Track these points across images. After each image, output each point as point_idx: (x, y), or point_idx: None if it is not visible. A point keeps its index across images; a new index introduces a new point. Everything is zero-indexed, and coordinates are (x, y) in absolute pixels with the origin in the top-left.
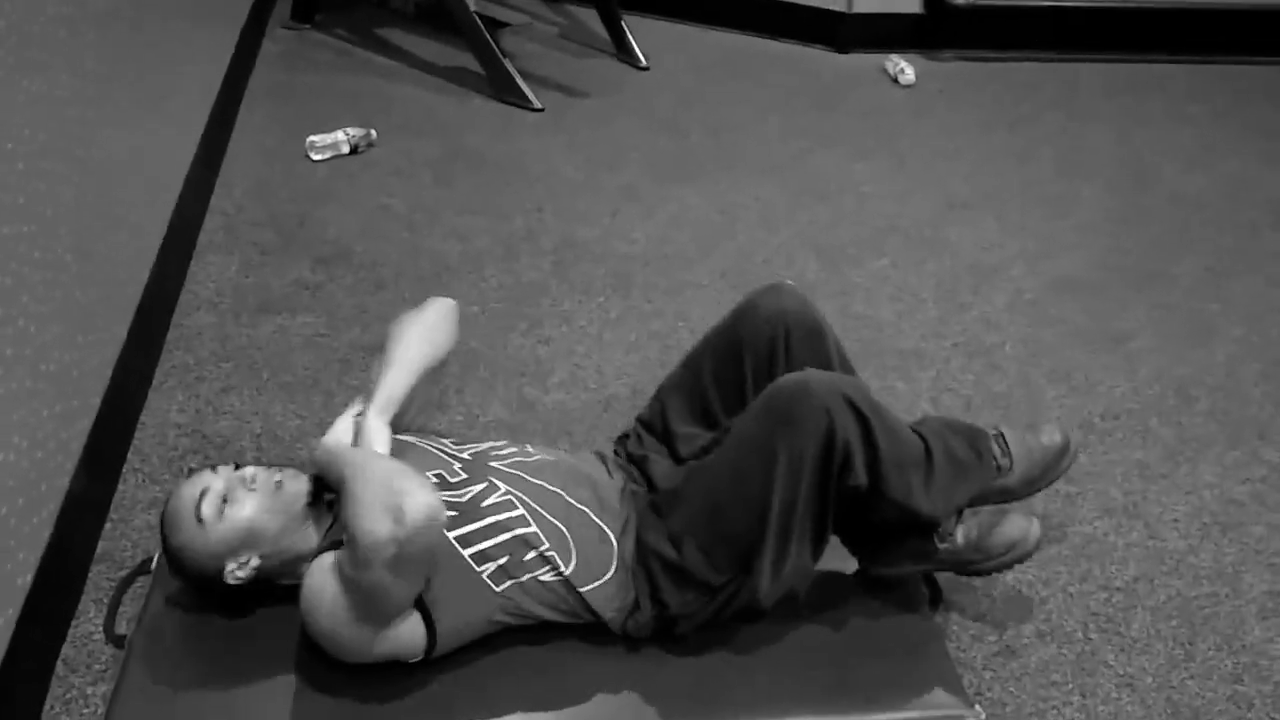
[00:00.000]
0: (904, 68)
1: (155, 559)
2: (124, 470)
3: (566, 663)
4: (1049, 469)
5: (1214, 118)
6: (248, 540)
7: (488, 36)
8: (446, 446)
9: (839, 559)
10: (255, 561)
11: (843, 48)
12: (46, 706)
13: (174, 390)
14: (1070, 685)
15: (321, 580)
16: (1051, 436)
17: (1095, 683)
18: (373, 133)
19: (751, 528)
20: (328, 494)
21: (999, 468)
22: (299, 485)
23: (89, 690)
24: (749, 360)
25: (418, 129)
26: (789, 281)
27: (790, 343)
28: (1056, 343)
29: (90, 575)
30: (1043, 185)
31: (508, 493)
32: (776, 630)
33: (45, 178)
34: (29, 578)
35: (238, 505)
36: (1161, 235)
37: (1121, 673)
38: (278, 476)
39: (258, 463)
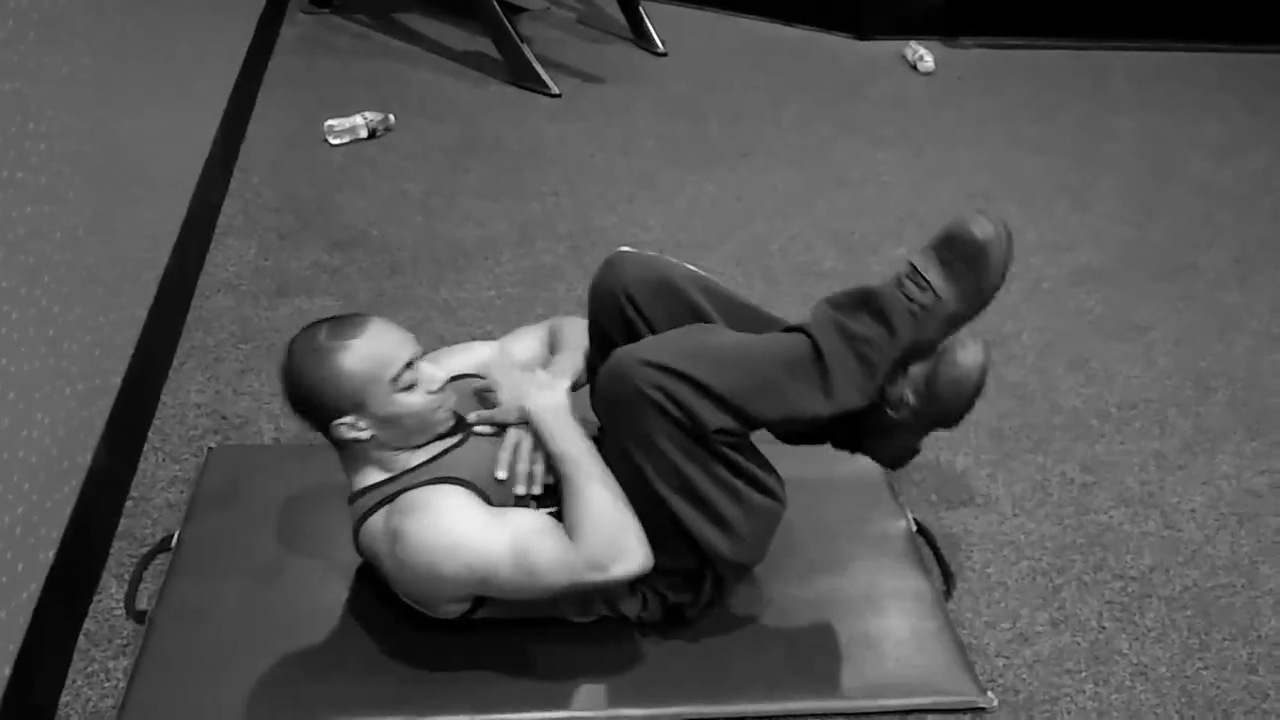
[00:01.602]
0: (923, 55)
1: (176, 536)
2: (144, 449)
3: (576, 646)
4: (986, 268)
5: (1244, 108)
6: (395, 420)
7: (505, 21)
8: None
9: (853, 545)
10: (368, 435)
11: (862, 34)
12: (69, 680)
13: (194, 371)
14: (1084, 673)
15: (470, 540)
16: (982, 229)
17: (1109, 671)
18: (391, 117)
19: (665, 515)
20: (460, 430)
21: (922, 308)
22: (448, 415)
23: (110, 664)
24: (619, 340)
25: (435, 114)
26: (623, 248)
27: (642, 309)
28: (1075, 332)
29: (112, 551)
30: (1064, 175)
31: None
32: (788, 617)
33: (67, 159)
34: (51, 553)
35: (415, 395)
36: (1185, 226)
37: (1135, 661)
38: (452, 399)
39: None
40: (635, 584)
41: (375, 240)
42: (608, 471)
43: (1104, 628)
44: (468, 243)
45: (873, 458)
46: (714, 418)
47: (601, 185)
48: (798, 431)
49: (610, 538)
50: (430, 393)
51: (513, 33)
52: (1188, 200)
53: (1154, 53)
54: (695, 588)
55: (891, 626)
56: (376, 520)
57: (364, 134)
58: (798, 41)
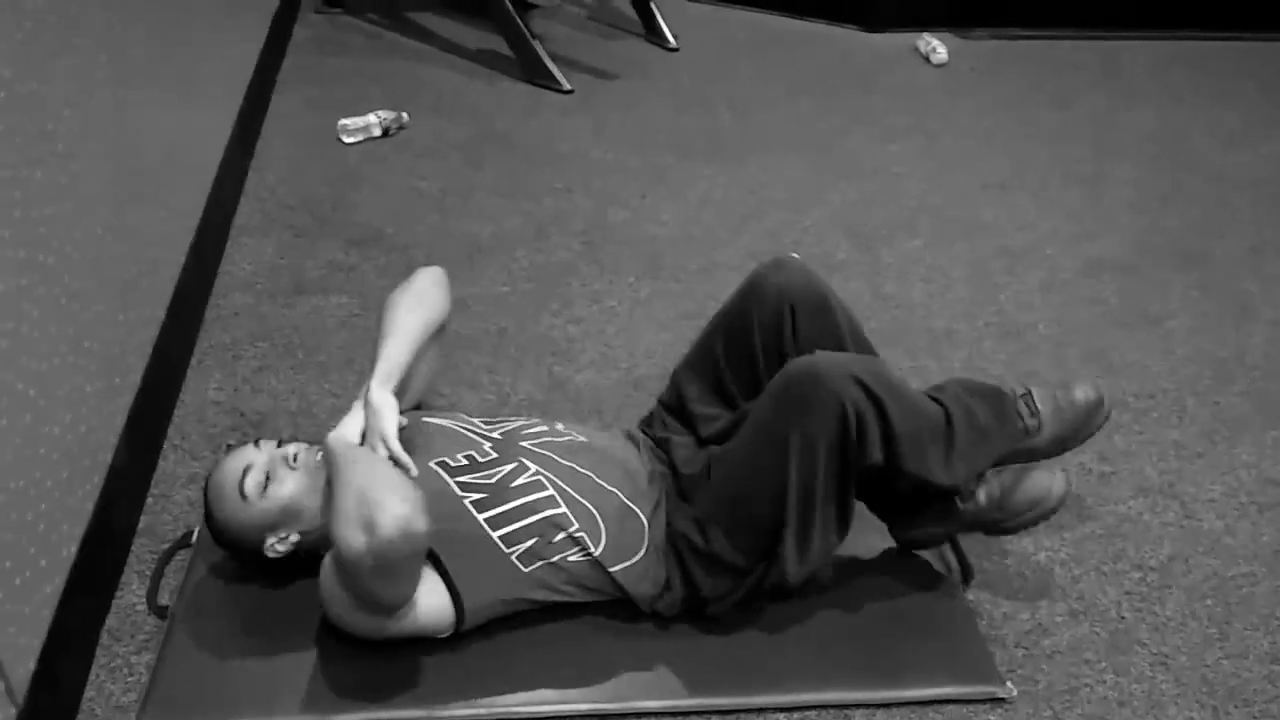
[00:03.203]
0: (936, 47)
1: (196, 532)
2: (164, 446)
3: (594, 638)
4: (1081, 427)
5: (1261, 96)
6: (289, 516)
7: (517, 19)
8: (476, 426)
9: (871, 538)
10: (295, 537)
11: (874, 27)
12: (92, 674)
13: (212, 369)
14: (1103, 664)
15: (326, 575)
16: (1086, 393)
17: (1129, 661)
18: (404, 115)
19: (772, 513)
20: None
21: (1026, 429)
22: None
23: (133, 659)
24: (759, 338)
25: (448, 111)
26: (793, 255)
27: (797, 319)
28: (1091, 323)
29: (133, 548)
30: (1079, 165)
31: (537, 473)
32: (807, 608)
33: (84, 158)
34: (73, 549)
35: (279, 483)
36: (1201, 215)
37: (1155, 651)
38: (320, 454)
39: (299, 440)
40: (666, 566)
41: (390, 238)
42: (358, 456)
43: (1123, 618)
44: (482, 239)
45: (893, 531)
46: (875, 452)
47: (614, 181)
48: (884, 487)
49: (360, 496)
50: (290, 468)
51: (525, 30)
52: (1202, 189)
53: (1167, 41)
54: (733, 585)
55: (910, 617)
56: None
57: (377, 132)
58: (810, 34)
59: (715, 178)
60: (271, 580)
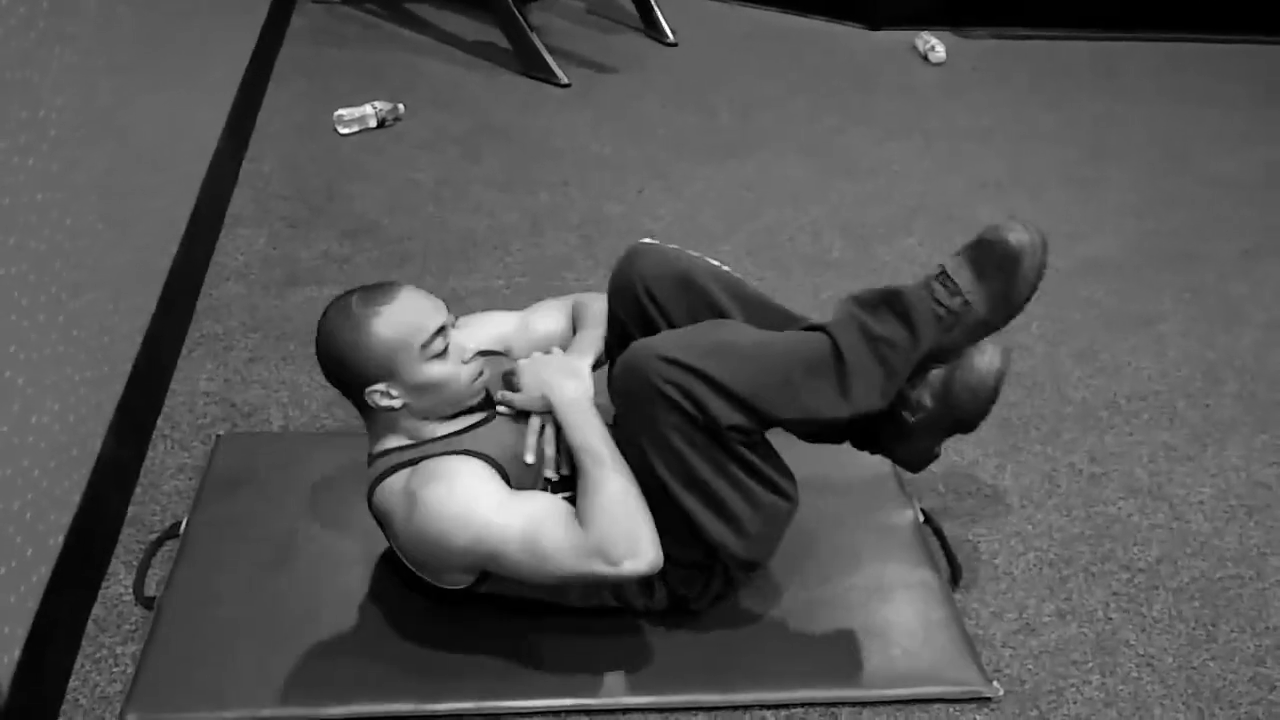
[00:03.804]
0: (935, 45)
1: (184, 523)
2: (154, 436)
3: (583, 634)
4: (1018, 275)
5: (1257, 100)
6: (426, 388)
7: (515, 11)
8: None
9: (857, 534)
10: (399, 403)
11: (873, 25)
12: (77, 664)
13: (203, 359)
14: (1090, 664)
15: (461, 506)
16: (1018, 236)
17: (1115, 662)
18: (400, 107)
19: (674, 509)
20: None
21: (949, 310)
22: (480, 388)
23: (119, 650)
24: (635, 332)
25: (445, 103)
26: (645, 240)
27: (660, 303)
28: (1084, 323)
29: (120, 538)
30: (1075, 166)
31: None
32: (795, 607)
33: (77, 146)
34: (60, 539)
35: (445, 362)
36: (1195, 218)
37: (1142, 652)
38: (485, 372)
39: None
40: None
41: (385, 230)
42: (627, 468)
43: (1111, 619)
44: (477, 232)
45: (892, 459)
46: (728, 415)
47: (611, 175)
48: (817, 431)
49: (624, 533)
50: (463, 362)
51: (523, 22)
52: (1197, 191)
53: (1165, 43)
54: (704, 580)
55: (898, 616)
56: (395, 481)
57: (373, 124)
58: (809, 32)
59: (712, 174)
60: (259, 572)
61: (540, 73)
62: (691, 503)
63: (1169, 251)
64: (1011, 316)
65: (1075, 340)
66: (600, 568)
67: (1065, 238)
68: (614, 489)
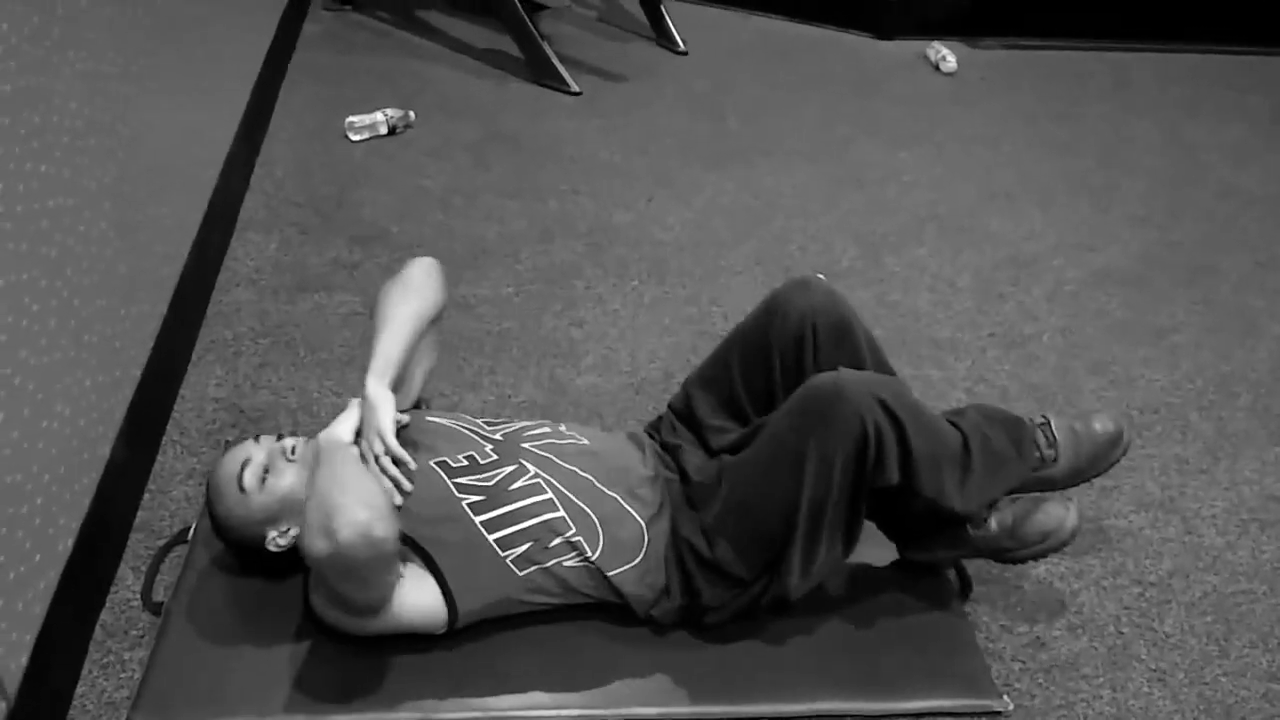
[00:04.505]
0: (945, 55)
1: (192, 529)
2: (163, 441)
3: (590, 642)
4: (1098, 460)
5: (1266, 110)
6: (288, 509)
7: (526, 19)
8: (480, 427)
9: (871, 549)
10: (295, 530)
11: (884, 34)
12: (85, 670)
13: (213, 365)
14: (1101, 679)
15: (312, 576)
16: (1104, 425)
17: (1126, 677)
18: (411, 114)
19: (781, 527)
20: None
21: (1042, 459)
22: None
23: (126, 655)
24: (777, 357)
25: (455, 111)
26: (818, 275)
27: (819, 340)
28: (1096, 335)
29: (129, 543)
30: (1087, 176)
31: (536, 475)
32: (806, 619)
33: (89, 152)
34: (69, 543)
35: (278, 475)
36: (1208, 229)
37: (1153, 667)
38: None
39: (298, 434)
40: (667, 572)
41: (395, 236)
42: (330, 460)
43: (1122, 633)
44: (487, 240)
45: (903, 551)
46: (895, 473)
47: (620, 183)
48: (904, 515)
49: (323, 501)
50: (289, 462)
51: (533, 30)
52: (1209, 203)
53: (1176, 54)
54: (733, 595)
55: (908, 629)
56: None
57: (384, 130)
58: (819, 41)
59: (722, 182)
60: (270, 577)
61: (551, 81)
62: (802, 527)
63: (1182, 263)
64: (1072, 487)
65: (1087, 352)
66: (323, 543)
67: (1076, 248)
68: (308, 498)
